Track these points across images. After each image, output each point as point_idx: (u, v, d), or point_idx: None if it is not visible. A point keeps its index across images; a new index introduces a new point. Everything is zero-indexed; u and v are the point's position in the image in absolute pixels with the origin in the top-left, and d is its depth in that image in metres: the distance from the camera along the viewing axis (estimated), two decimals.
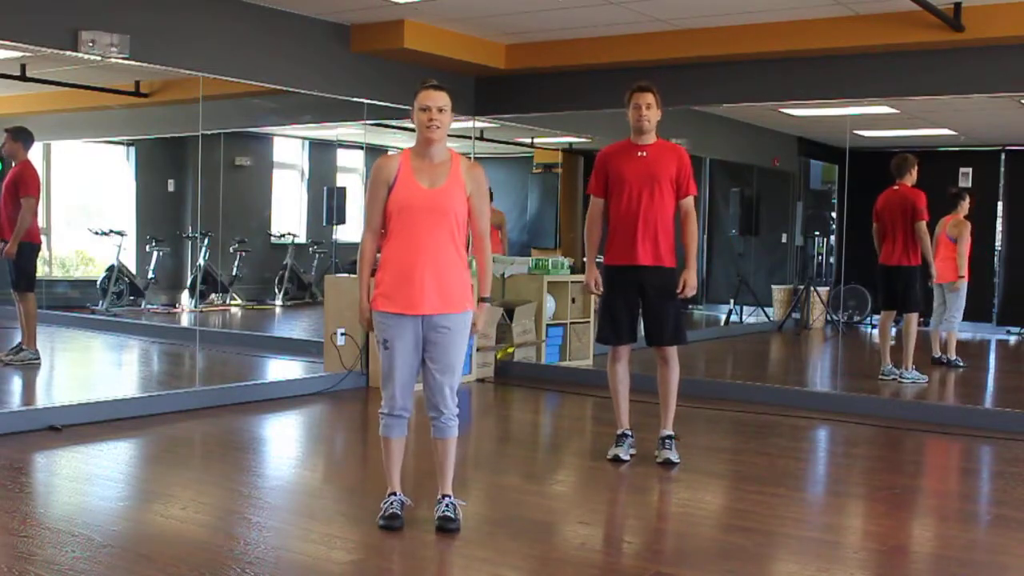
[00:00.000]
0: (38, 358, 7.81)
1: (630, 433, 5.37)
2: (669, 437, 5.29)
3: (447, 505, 4.04)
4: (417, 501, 4.20)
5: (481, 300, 4.10)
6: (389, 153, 4.17)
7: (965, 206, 9.01)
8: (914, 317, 8.11)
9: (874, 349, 11.29)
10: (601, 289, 5.32)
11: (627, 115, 5.23)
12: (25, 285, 7.73)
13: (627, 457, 5.31)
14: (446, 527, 3.98)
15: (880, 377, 8.19)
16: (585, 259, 5.61)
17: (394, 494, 4.08)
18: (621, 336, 5.29)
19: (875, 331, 11.93)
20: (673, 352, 5.28)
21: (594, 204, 5.37)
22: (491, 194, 12.30)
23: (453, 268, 3.97)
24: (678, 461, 5.20)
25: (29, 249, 7.72)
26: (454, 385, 4.05)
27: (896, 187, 8.04)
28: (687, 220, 5.24)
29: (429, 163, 3.99)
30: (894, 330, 8.46)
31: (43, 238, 8.21)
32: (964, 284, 8.88)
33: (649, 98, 5.16)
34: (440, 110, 3.93)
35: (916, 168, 8.05)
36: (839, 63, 7.21)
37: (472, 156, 9.23)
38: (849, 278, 10.59)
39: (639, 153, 5.20)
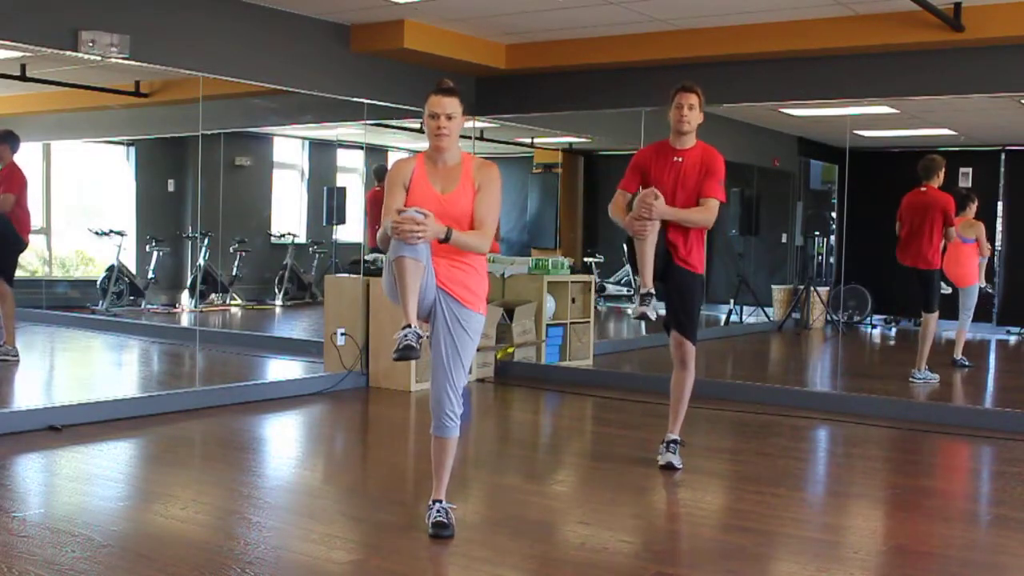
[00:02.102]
0: (16, 355, 7.84)
1: (654, 292, 4.99)
2: (675, 442, 5.23)
3: (439, 511, 4.00)
4: (417, 502, 4.20)
5: (448, 232, 3.79)
6: (403, 156, 4.10)
7: (974, 207, 9.01)
8: (933, 318, 8.08)
9: (873, 349, 11.32)
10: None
11: (668, 114, 5.04)
12: (2, 275, 7.77)
13: (654, 316, 5.01)
14: (440, 534, 3.93)
15: (911, 380, 8.14)
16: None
17: (409, 326, 3.81)
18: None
19: (875, 331, 11.98)
20: (692, 355, 5.17)
21: (620, 195, 5.11)
22: None
23: (467, 270, 3.94)
24: (680, 467, 5.17)
25: (12, 239, 7.76)
26: (458, 381, 3.99)
27: (923, 188, 8.04)
28: (698, 207, 4.93)
29: (443, 167, 3.98)
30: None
31: (31, 238, 8.22)
32: (977, 285, 8.90)
33: (692, 99, 4.98)
34: (449, 117, 3.89)
35: (944, 170, 8.05)
36: (839, 63, 7.21)
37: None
38: (849, 278, 10.59)
39: (675, 158, 5.01)
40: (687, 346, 5.16)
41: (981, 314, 11.56)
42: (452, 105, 3.90)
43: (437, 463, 4.06)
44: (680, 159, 5.01)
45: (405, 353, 3.79)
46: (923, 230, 7.95)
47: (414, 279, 3.79)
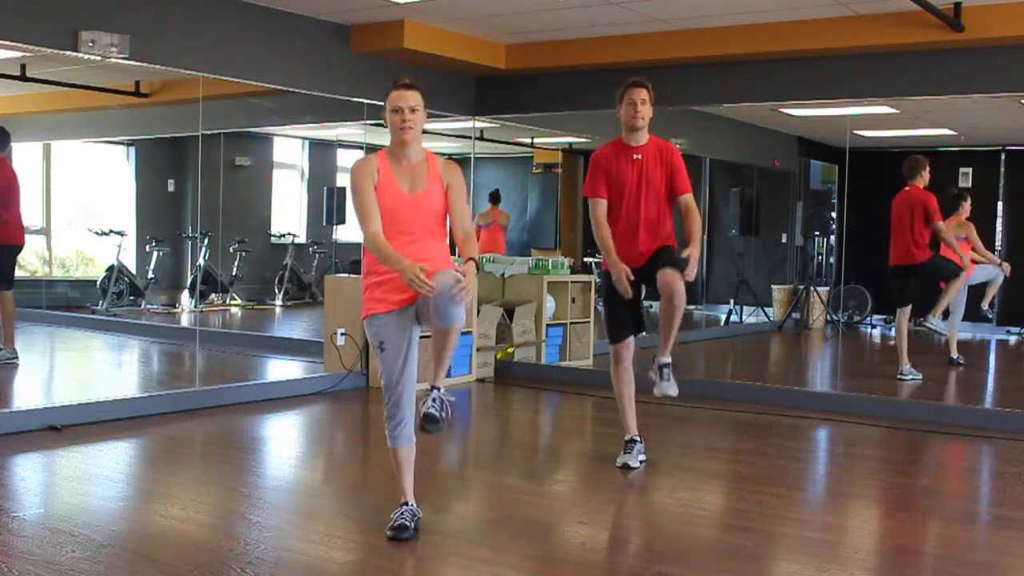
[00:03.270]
0: (16, 357, 7.83)
1: (639, 438, 5.23)
2: (667, 365, 5.09)
3: (434, 400, 3.89)
4: (416, 502, 4.19)
5: (469, 259, 3.81)
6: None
7: (967, 207, 9.02)
8: (905, 312, 8.18)
9: (873, 349, 11.31)
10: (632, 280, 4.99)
11: (618, 111, 5.08)
12: (3, 284, 7.77)
13: (636, 464, 5.16)
14: (428, 428, 3.88)
15: (899, 377, 8.18)
16: (600, 257, 5.36)
17: (406, 504, 4.00)
18: (625, 330, 5.14)
19: (875, 331, 11.98)
20: (677, 280, 4.79)
21: (597, 205, 5.14)
22: (499, 196, 12.22)
23: (436, 260, 3.82)
24: (675, 394, 5.08)
25: (8, 250, 7.75)
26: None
27: (908, 188, 8.11)
28: (689, 215, 5.00)
29: (407, 165, 3.92)
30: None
31: (29, 238, 8.20)
32: (968, 282, 8.92)
33: (644, 94, 5.01)
34: (412, 110, 3.85)
35: (927, 170, 8.12)
36: (839, 63, 7.21)
37: (472, 156, 9.24)
38: (849, 278, 10.59)
39: (634, 156, 5.04)
40: (676, 279, 4.82)
41: (981, 314, 11.57)
42: (415, 98, 3.87)
43: (438, 349, 3.92)
44: (639, 156, 5.06)
45: (398, 533, 3.90)
46: (904, 227, 8.03)
47: (408, 464, 4.02)
